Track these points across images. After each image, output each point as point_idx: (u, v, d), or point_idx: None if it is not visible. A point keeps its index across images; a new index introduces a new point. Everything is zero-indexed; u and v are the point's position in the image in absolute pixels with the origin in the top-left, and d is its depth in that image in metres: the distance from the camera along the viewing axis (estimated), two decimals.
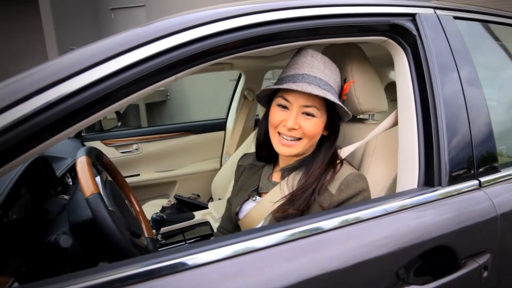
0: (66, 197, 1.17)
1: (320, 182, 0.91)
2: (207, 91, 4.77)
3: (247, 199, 1.04)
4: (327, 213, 0.77)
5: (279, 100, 0.93)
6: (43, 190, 1.17)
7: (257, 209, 0.99)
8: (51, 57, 4.86)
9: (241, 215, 1.05)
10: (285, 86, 0.88)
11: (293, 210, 0.90)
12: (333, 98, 0.88)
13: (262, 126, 1.02)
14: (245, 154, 1.20)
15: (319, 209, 0.90)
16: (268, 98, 1.00)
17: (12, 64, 6.08)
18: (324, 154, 0.95)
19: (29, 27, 6.34)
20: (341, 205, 0.90)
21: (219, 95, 3.40)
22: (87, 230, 0.90)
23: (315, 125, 0.91)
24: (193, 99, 5.30)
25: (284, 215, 0.90)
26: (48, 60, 0.65)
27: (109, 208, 0.87)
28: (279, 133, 0.93)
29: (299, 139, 0.92)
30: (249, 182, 1.08)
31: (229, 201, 1.20)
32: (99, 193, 0.85)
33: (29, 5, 5.94)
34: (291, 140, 0.91)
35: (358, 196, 0.90)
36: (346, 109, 0.91)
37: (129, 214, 1.07)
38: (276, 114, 0.93)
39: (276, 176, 1.03)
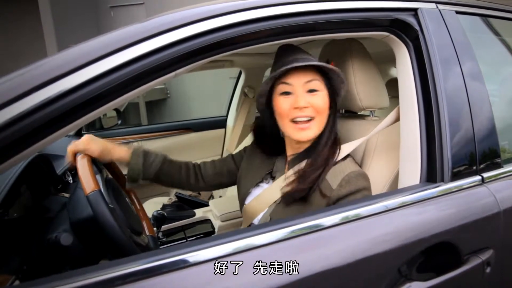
0: (66, 195, 1.17)
1: (328, 165, 0.94)
2: (207, 89, 4.76)
3: (261, 181, 1.07)
4: (328, 209, 0.77)
5: (280, 88, 0.95)
6: (43, 188, 1.17)
7: (267, 193, 1.02)
8: None
9: (248, 200, 1.06)
10: (283, 69, 0.91)
11: (302, 186, 0.92)
12: (330, 66, 0.93)
13: (266, 117, 1.04)
14: None
15: (320, 198, 0.91)
16: (267, 96, 1.00)
17: (11, 63, 6.05)
18: (329, 133, 0.98)
19: (29, 25, 6.32)
20: (340, 201, 0.90)
21: (219, 93, 3.39)
22: (87, 228, 0.90)
23: (322, 99, 0.95)
24: (193, 97, 5.29)
25: (291, 189, 0.93)
26: (47, 57, 0.64)
27: (110, 206, 0.86)
28: (294, 121, 0.95)
29: (312, 118, 0.94)
30: (263, 165, 1.10)
31: (232, 156, 1.21)
32: (100, 191, 0.85)
33: (28, 4, 5.91)
34: (307, 120, 0.94)
35: (358, 194, 0.90)
36: (342, 75, 0.95)
37: (130, 211, 1.07)
38: (283, 103, 0.95)
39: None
